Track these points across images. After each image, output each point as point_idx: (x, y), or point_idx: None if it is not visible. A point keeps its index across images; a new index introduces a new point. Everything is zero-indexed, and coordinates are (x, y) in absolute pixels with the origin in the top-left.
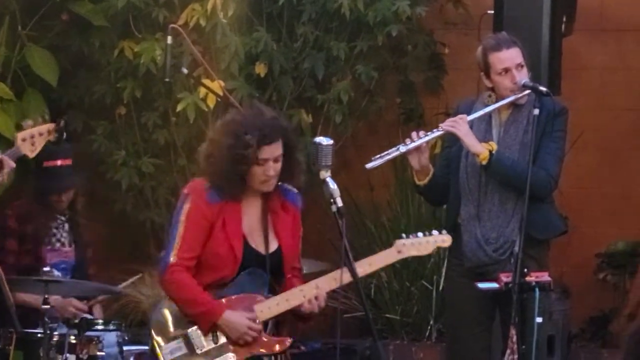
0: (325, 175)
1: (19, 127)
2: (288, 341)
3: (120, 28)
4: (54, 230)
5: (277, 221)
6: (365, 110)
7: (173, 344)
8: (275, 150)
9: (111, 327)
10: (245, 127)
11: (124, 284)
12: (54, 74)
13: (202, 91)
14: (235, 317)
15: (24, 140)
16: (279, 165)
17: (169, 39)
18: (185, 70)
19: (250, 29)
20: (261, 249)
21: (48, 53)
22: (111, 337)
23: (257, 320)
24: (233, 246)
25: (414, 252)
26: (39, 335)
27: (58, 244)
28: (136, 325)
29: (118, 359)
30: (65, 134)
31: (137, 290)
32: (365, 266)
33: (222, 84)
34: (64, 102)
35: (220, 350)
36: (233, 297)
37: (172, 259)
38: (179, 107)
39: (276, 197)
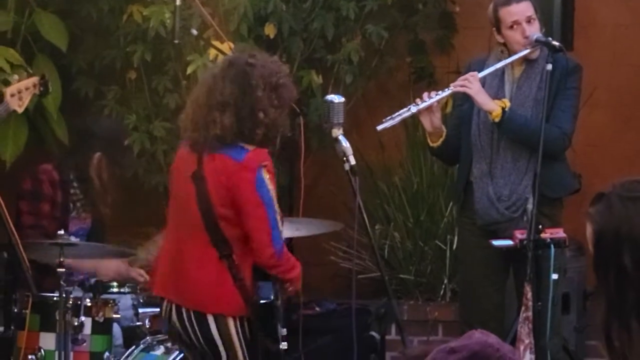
0: (338, 133)
1: (6, 83)
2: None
3: None
4: (77, 198)
5: None
6: (376, 70)
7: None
8: None
9: (126, 289)
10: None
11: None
12: (63, 40)
13: (212, 53)
14: None
15: (12, 95)
16: None
17: (178, 1)
18: (194, 32)
19: None
20: None
21: (57, 18)
22: (126, 300)
23: None
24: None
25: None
26: (54, 298)
27: (82, 213)
28: (149, 288)
29: (133, 321)
30: (50, 88)
31: (152, 253)
32: None
33: (232, 45)
34: (74, 67)
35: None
36: None
37: (282, 237)
38: (189, 70)
39: None
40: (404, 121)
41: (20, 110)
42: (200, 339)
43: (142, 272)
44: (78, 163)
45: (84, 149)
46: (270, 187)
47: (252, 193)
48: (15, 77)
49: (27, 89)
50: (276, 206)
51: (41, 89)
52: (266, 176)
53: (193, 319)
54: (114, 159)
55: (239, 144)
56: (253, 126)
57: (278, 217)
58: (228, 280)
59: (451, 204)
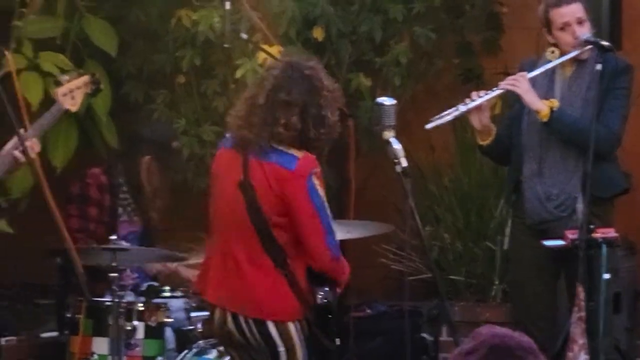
0: (389, 135)
1: (57, 84)
2: None
3: None
4: (127, 202)
5: None
6: (424, 73)
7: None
8: None
9: (178, 293)
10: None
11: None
12: (113, 45)
13: (261, 57)
14: None
15: (64, 95)
16: None
17: (227, 5)
18: (244, 36)
19: None
20: None
21: (107, 24)
22: (178, 304)
23: None
24: None
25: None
26: (107, 303)
27: (133, 217)
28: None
29: (186, 325)
30: (101, 87)
31: (202, 257)
32: None
33: (281, 49)
34: (123, 72)
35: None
36: None
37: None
38: (238, 74)
39: None
40: (453, 122)
41: (74, 109)
42: (261, 341)
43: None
44: (128, 167)
45: (134, 153)
46: (321, 192)
47: (306, 202)
48: (66, 77)
49: (78, 88)
50: (328, 210)
51: (92, 87)
52: (316, 182)
53: (252, 325)
54: (164, 163)
55: (289, 150)
56: (318, 127)
57: (331, 221)
58: (284, 287)
59: (501, 204)
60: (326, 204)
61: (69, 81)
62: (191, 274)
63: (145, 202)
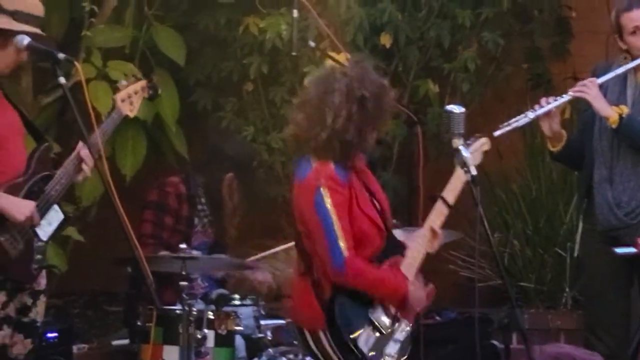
0: (458, 143)
1: (116, 89)
2: (434, 289)
3: (245, 4)
4: (203, 213)
5: (368, 180)
6: (492, 78)
7: (364, 335)
8: None
9: (248, 302)
10: (375, 75)
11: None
12: (181, 53)
13: (328, 64)
14: (415, 284)
15: (123, 100)
16: None
17: (295, 13)
18: (312, 44)
19: (374, 0)
20: None
21: (174, 32)
22: (248, 312)
23: None
24: (372, 217)
25: (475, 162)
26: (177, 312)
27: (205, 226)
28: (271, 299)
29: (255, 333)
30: (158, 90)
31: (271, 265)
32: (449, 197)
33: (348, 56)
34: (191, 80)
35: (397, 321)
36: (385, 266)
37: (345, 253)
38: (306, 81)
39: (357, 157)
40: (521, 128)
41: (132, 114)
42: (306, 350)
43: (266, 273)
44: (207, 180)
45: (215, 168)
46: (330, 205)
47: (311, 213)
48: (124, 82)
49: (136, 92)
50: (336, 224)
51: (150, 92)
52: (326, 193)
53: (297, 332)
54: (244, 180)
55: (307, 155)
56: (319, 130)
57: (338, 234)
58: (310, 296)
59: (571, 210)
60: (333, 218)
61: (127, 86)
62: (261, 277)
63: (225, 218)
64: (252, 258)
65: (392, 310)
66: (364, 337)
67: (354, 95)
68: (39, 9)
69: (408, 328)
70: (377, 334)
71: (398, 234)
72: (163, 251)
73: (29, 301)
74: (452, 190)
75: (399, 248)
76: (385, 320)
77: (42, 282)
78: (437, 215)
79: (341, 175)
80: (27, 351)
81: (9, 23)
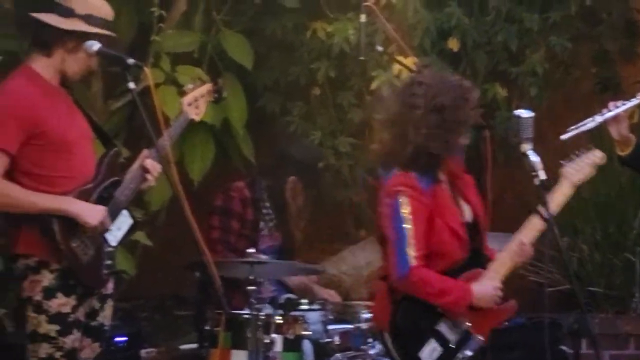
0: (527, 148)
1: (182, 93)
2: (515, 303)
3: (313, 9)
4: (269, 217)
5: (463, 185)
6: (561, 82)
7: (428, 347)
8: None
9: (315, 306)
10: (456, 80)
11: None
12: (249, 58)
13: (396, 68)
14: (482, 286)
15: (189, 104)
16: None
17: (363, 17)
18: (380, 48)
19: (441, 4)
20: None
21: (242, 37)
22: (316, 317)
23: None
24: (456, 229)
25: (580, 177)
26: (246, 316)
27: (271, 229)
28: (338, 304)
29: (323, 338)
30: (224, 94)
31: (338, 268)
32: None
33: (416, 60)
34: (259, 85)
35: (468, 336)
36: (461, 278)
37: (412, 262)
38: (374, 85)
39: (453, 161)
40: (590, 132)
41: (197, 118)
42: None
43: (333, 292)
44: (272, 184)
45: (279, 171)
46: (406, 212)
47: (388, 220)
48: (190, 85)
49: (202, 96)
50: (409, 232)
51: (215, 95)
52: (404, 201)
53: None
54: (309, 183)
55: (394, 166)
56: (402, 145)
57: (409, 242)
58: (385, 299)
59: None
60: (407, 226)
61: (193, 90)
62: (325, 294)
63: (290, 221)
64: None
65: (465, 325)
66: (428, 350)
67: (433, 104)
68: (109, 14)
69: (478, 344)
70: (443, 348)
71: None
72: (232, 256)
73: (97, 305)
74: (552, 205)
75: (482, 260)
76: (453, 334)
77: (110, 286)
78: (530, 229)
79: (423, 184)
80: (95, 355)
81: (83, 27)
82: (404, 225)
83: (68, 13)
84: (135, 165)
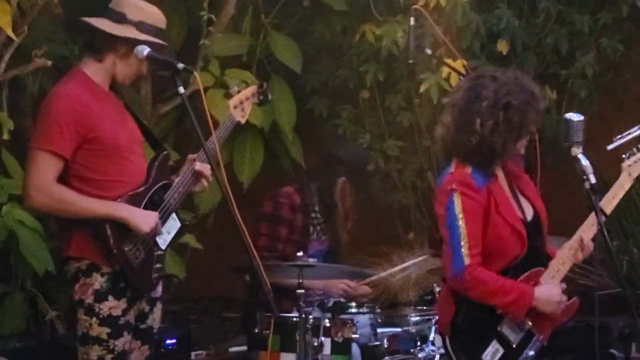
0: (577, 151)
1: (228, 95)
2: (577, 302)
3: (361, 11)
4: (318, 222)
5: (523, 185)
6: (611, 85)
7: (490, 349)
8: None
9: (364, 309)
10: (518, 76)
11: (409, 262)
12: (297, 61)
13: (445, 71)
14: (546, 289)
15: (235, 107)
16: None
17: (412, 20)
18: (429, 51)
19: (490, 6)
20: (523, 218)
21: (291, 40)
22: (364, 320)
23: None
24: (514, 225)
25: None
26: (294, 319)
27: (322, 236)
28: (387, 307)
29: (372, 341)
30: (269, 96)
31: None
32: (609, 201)
33: (465, 62)
34: (307, 87)
35: (530, 335)
36: (522, 278)
37: (466, 261)
38: (422, 88)
39: (512, 162)
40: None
41: (243, 120)
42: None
43: (367, 288)
44: (322, 188)
45: (328, 174)
46: (459, 210)
47: (442, 218)
48: (236, 88)
49: (247, 98)
50: (462, 230)
51: (260, 97)
52: (457, 199)
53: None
54: (358, 185)
55: (451, 160)
56: (467, 134)
57: (463, 240)
58: (446, 301)
59: None
60: (460, 223)
61: (238, 92)
62: (360, 291)
63: (338, 222)
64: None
65: (527, 324)
66: (490, 352)
67: (501, 102)
68: (162, 21)
69: (540, 343)
70: (505, 349)
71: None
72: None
73: (147, 308)
74: (610, 200)
75: (543, 258)
76: (515, 334)
77: (159, 289)
78: (589, 226)
79: (478, 180)
80: (144, 357)
81: (135, 33)
82: (457, 224)
83: (120, 19)
84: (184, 169)
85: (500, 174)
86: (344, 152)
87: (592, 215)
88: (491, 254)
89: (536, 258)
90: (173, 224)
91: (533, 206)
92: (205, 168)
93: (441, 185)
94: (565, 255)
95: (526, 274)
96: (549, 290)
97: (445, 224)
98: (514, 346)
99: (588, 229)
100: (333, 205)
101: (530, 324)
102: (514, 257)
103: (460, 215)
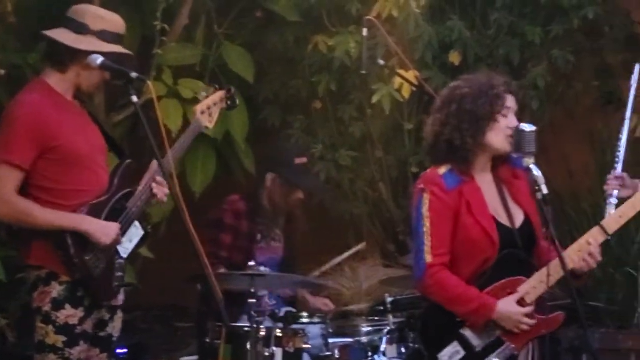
0: (529, 162)
1: (196, 101)
2: (561, 316)
3: (314, 23)
4: (265, 228)
5: (514, 191)
6: (563, 95)
7: (449, 349)
8: (514, 102)
9: (316, 320)
10: (487, 76)
11: (345, 254)
12: (250, 71)
13: (397, 82)
14: (508, 307)
15: (202, 113)
16: (516, 121)
17: (365, 31)
18: (381, 62)
19: (443, 17)
20: (509, 224)
21: (244, 50)
22: (316, 330)
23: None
24: (486, 227)
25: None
26: (246, 329)
27: (271, 242)
28: (338, 317)
29: (323, 351)
30: (237, 101)
31: (338, 282)
32: (616, 220)
33: (417, 74)
34: (260, 98)
35: (499, 343)
36: (497, 285)
37: (428, 260)
38: (375, 99)
39: (505, 167)
40: (592, 146)
41: (210, 126)
42: None
43: (327, 301)
44: (260, 192)
45: (262, 175)
46: (425, 210)
47: (412, 218)
48: (204, 93)
49: (215, 104)
50: (427, 231)
51: (228, 102)
52: (425, 199)
53: None
54: (290, 179)
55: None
56: (428, 134)
57: (427, 241)
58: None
59: None
60: (426, 224)
61: (206, 97)
62: (320, 304)
63: (280, 223)
64: (321, 269)
65: (495, 331)
66: (448, 352)
67: (455, 94)
68: (122, 27)
69: (510, 352)
70: (465, 353)
71: None
72: (223, 269)
73: (107, 316)
74: (617, 219)
75: (528, 267)
76: (480, 340)
77: (120, 297)
78: (575, 251)
79: (449, 181)
80: None
81: (97, 44)
82: (423, 223)
83: (82, 29)
84: (147, 177)
85: (487, 177)
86: (272, 150)
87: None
88: (460, 256)
89: (520, 266)
90: (135, 232)
91: (525, 212)
92: (162, 181)
93: (415, 185)
94: (555, 267)
95: (503, 281)
96: (512, 306)
97: (414, 224)
98: (477, 350)
99: (574, 254)
100: (261, 205)
101: (500, 332)
102: (484, 261)
103: (427, 215)
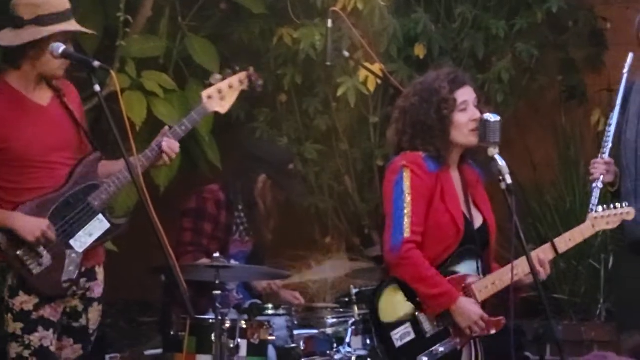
0: (494, 152)
1: (207, 85)
2: (503, 321)
3: (279, 15)
4: (239, 220)
5: (477, 195)
6: (527, 89)
7: (401, 329)
8: (470, 93)
9: (281, 311)
10: (432, 79)
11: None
12: (215, 64)
13: (362, 75)
14: (470, 305)
15: (209, 97)
16: (478, 112)
17: (329, 23)
18: (346, 54)
19: (408, 10)
20: (471, 222)
21: (208, 43)
22: (281, 322)
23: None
24: (454, 216)
25: (604, 226)
26: (210, 321)
27: (246, 237)
28: (304, 310)
29: (288, 343)
30: (260, 82)
31: (304, 276)
32: (565, 242)
33: (382, 66)
34: None
35: (446, 334)
36: (455, 278)
37: (406, 235)
38: (340, 92)
39: (471, 170)
40: (556, 139)
41: (223, 111)
42: None
43: (297, 294)
44: (243, 186)
45: (250, 173)
46: (407, 186)
47: (389, 193)
48: (218, 76)
49: (231, 87)
50: (407, 205)
51: (250, 84)
52: (407, 176)
53: None
54: (279, 184)
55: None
56: (398, 151)
57: (406, 213)
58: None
59: None
60: (407, 198)
61: (220, 81)
62: (290, 296)
63: (259, 220)
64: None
65: (449, 323)
66: (400, 332)
67: (407, 105)
68: (62, 4)
69: (454, 346)
70: (415, 336)
71: None
72: (203, 258)
73: (80, 307)
74: (566, 241)
75: (485, 269)
76: (432, 327)
77: (97, 290)
78: (542, 252)
79: (429, 164)
80: (77, 356)
81: (35, 31)
82: (404, 198)
83: (20, 23)
84: (116, 168)
85: (455, 174)
86: (264, 151)
87: (547, 245)
88: (426, 240)
89: (474, 264)
90: (98, 225)
91: (483, 217)
92: (172, 144)
93: (392, 165)
94: (497, 277)
95: (452, 276)
96: (472, 305)
97: (391, 198)
98: (427, 336)
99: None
100: (254, 203)
101: (450, 325)
102: (446, 248)
103: (408, 191)
